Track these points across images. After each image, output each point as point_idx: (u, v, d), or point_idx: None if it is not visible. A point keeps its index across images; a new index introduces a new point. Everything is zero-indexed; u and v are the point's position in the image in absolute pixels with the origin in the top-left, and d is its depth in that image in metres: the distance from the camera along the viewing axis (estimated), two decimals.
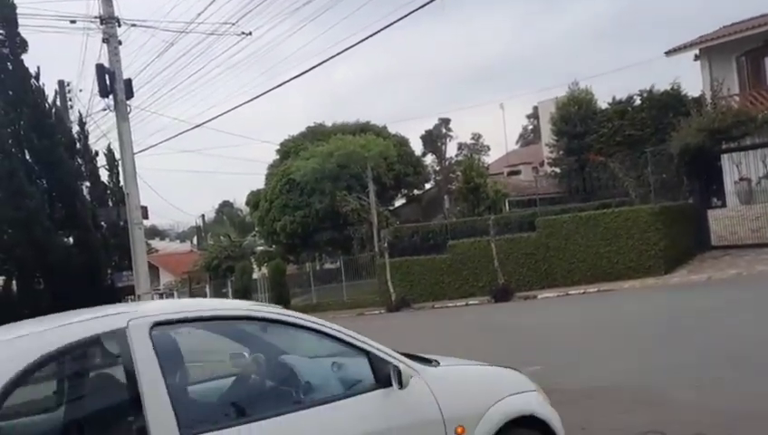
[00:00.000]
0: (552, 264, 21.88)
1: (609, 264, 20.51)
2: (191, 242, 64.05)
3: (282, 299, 30.11)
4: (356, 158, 28.23)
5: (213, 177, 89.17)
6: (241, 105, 68.53)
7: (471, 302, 22.46)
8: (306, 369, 3.73)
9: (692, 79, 36.93)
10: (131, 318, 3.10)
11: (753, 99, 24.92)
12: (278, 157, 35.38)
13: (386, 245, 25.38)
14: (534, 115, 52.53)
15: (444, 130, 31.51)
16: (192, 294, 40.83)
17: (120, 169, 14.77)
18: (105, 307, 3.51)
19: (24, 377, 2.85)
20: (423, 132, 31.11)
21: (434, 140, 31.22)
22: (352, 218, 28.34)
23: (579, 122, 33.37)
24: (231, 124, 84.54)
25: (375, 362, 3.63)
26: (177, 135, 43.76)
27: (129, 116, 12.52)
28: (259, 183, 35.64)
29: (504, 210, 27.49)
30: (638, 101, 33.18)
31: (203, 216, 43.40)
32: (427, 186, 34.43)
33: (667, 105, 31.70)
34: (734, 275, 17.09)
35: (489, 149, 29.64)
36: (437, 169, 31.57)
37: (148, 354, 3.02)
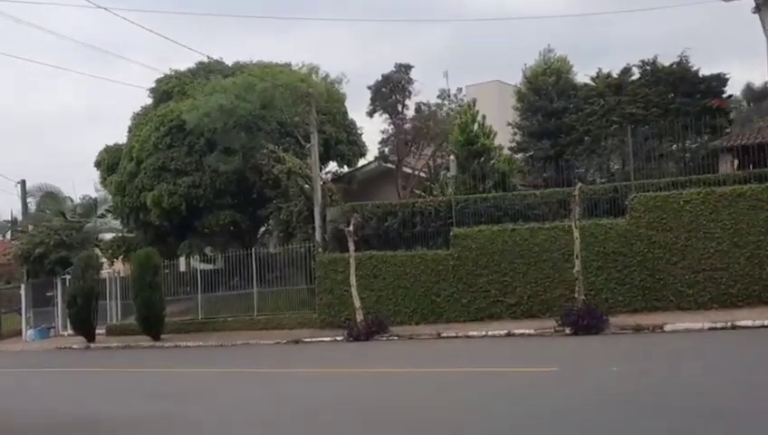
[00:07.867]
0: (658, 270, 13.03)
1: None
2: None
3: (153, 311, 18.77)
4: (292, 95, 17.89)
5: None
6: None
7: (517, 331, 12.98)
8: None
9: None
10: None
11: None
12: (152, 101, 23.75)
13: (351, 228, 15.27)
14: None
15: (402, 82, 22.07)
16: None
17: None
18: None
19: None
20: (379, 77, 21.39)
21: (392, 90, 21.60)
22: (290, 185, 17.87)
23: (557, 96, 25.97)
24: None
25: None
26: None
27: None
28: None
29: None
30: (636, 75, 26.42)
31: (22, 180, 27.93)
32: (361, 162, 24.58)
33: (677, 81, 25.12)
34: None
35: (473, 107, 20.26)
36: (390, 133, 21.90)
37: None
